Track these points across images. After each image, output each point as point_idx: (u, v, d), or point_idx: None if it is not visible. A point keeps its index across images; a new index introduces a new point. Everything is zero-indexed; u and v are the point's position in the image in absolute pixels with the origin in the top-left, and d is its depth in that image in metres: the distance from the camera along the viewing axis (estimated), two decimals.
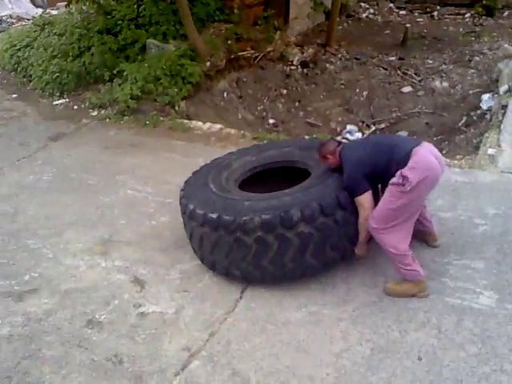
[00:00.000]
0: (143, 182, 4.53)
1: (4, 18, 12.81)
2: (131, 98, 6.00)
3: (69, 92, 6.84)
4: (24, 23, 12.36)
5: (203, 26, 7.83)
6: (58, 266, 3.51)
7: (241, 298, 3.08)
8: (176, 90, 6.23)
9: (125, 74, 6.39)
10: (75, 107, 6.53)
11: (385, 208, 2.80)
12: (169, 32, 7.43)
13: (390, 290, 2.98)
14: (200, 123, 5.69)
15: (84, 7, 8.35)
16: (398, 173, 2.71)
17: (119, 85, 6.41)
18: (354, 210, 2.93)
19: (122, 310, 3.06)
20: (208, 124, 5.65)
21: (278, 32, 8.37)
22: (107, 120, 6.04)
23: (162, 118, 5.92)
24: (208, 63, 6.93)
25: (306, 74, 8.44)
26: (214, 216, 2.95)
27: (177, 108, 6.13)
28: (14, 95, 7.14)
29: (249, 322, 2.88)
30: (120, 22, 7.53)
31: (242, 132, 5.51)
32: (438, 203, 3.80)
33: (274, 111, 7.60)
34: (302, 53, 8.85)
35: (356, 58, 8.74)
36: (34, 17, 9.77)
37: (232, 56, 7.47)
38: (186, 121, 5.83)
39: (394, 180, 2.73)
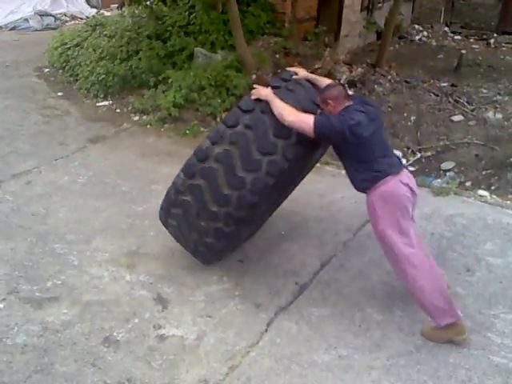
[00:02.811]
0: None
1: (58, 15, 13.15)
2: (174, 106, 5.94)
3: (113, 95, 6.84)
4: (77, 22, 12.65)
5: (252, 38, 7.76)
6: (82, 274, 3.41)
7: (266, 330, 2.89)
8: (219, 101, 6.14)
9: (170, 80, 6.34)
10: (118, 110, 6.51)
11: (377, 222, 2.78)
12: (217, 42, 7.38)
13: (426, 334, 2.80)
14: None
15: (136, 11, 8.43)
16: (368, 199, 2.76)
17: (163, 91, 6.37)
18: None
19: (141, 329, 2.92)
20: None
21: (328, 49, 8.19)
22: (148, 126, 5.99)
23: (202, 129, 5.82)
24: (254, 76, 6.81)
25: None
26: None
27: (218, 119, 6.02)
28: (60, 93, 7.20)
29: (273, 358, 2.69)
30: (170, 28, 7.53)
31: None
32: (487, 247, 3.53)
33: None
34: (351, 72, 8.64)
35: (406, 81, 8.46)
36: (87, 16, 9.97)
37: (279, 70, 7.33)
38: None
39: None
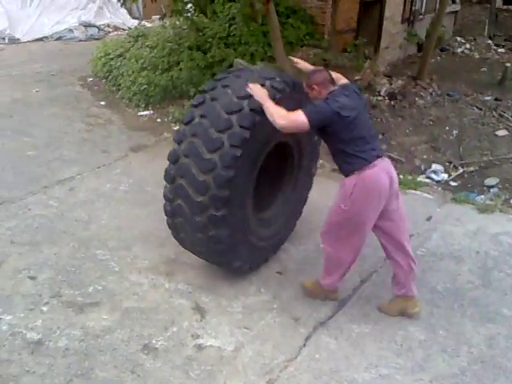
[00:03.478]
0: None
1: (102, 26, 13.53)
2: None
3: (154, 104, 6.96)
4: (119, 33, 12.99)
5: (292, 50, 7.78)
6: (123, 281, 3.46)
7: (304, 345, 2.85)
8: None
9: None
10: (158, 120, 6.62)
11: (328, 223, 3.00)
12: (257, 53, 7.44)
13: (305, 288, 3.24)
14: None
15: (177, 22, 8.59)
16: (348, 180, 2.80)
17: None
18: None
19: (180, 338, 2.93)
20: None
21: (368, 61, 8.13)
22: None
23: None
24: None
25: (393, 106, 8.11)
26: None
27: None
28: (103, 102, 7.37)
29: (311, 374, 2.65)
30: (210, 39, 7.62)
31: (321, 162, 5.29)
32: None
33: None
34: (391, 84, 8.53)
35: (448, 95, 8.31)
36: (129, 27, 10.20)
37: None
38: None
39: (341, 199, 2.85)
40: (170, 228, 3.36)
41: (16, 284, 3.39)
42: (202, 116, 3.04)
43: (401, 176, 5.47)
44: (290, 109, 2.73)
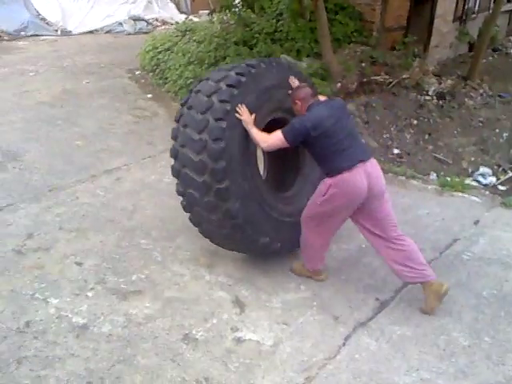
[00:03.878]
0: None
1: (150, 20, 13.76)
2: None
3: None
4: (167, 27, 13.17)
5: (339, 47, 7.70)
6: (165, 271, 3.52)
7: (344, 344, 2.83)
8: None
9: None
10: None
11: (308, 211, 3.18)
12: (303, 49, 7.39)
13: (293, 270, 3.46)
14: None
15: (225, 17, 8.64)
16: (325, 180, 3.03)
17: None
18: None
19: (219, 330, 2.96)
20: None
21: (417, 59, 7.95)
22: None
23: None
24: (339, 84, 6.75)
25: (441, 107, 7.90)
26: None
27: None
28: (149, 95, 7.50)
29: (350, 374, 2.62)
30: (257, 35, 7.63)
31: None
32: None
33: (400, 141, 7.18)
34: (440, 83, 8.32)
35: (500, 96, 8.04)
36: (177, 22, 10.33)
37: (364, 79, 7.22)
38: None
39: (321, 187, 3.06)
40: (194, 225, 3.49)
41: (63, 269, 3.51)
42: (188, 108, 3.29)
43: (447, 178, 5.34)
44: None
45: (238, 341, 2.88)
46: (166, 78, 7.69)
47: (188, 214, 3.46)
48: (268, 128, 3.29)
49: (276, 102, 3.40)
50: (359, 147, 3.07)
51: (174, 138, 3.37)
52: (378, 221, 3.09)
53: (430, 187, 4.74)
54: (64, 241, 3.84)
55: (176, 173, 3.36)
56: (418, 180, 4.79)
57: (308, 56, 7.39)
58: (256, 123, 3.16)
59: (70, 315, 3.07)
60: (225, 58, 7.34)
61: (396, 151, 6.98)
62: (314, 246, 3.27)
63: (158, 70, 7.98)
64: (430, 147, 7.25)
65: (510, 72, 9.01)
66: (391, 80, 7.56)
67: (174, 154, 3.36)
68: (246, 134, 3.16)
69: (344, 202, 3.01)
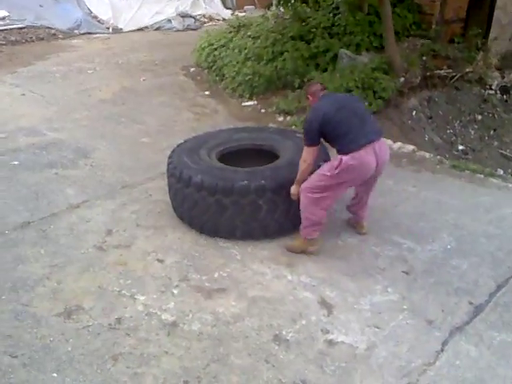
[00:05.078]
0: None
1: (198, 17, 13.81)
2: None
3: (258, 95, 6.99)
4: (214, 23, 13.23)
5: (397, 40, 7.49)
6: (246, 269, 3.51)
7: (442, 350, 2.74)
8: (366, 104, 6.00)
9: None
10: (262, 110, 6.65)
11: (313, 181, 3.37)
12: (362, 43, 7.25)
13: (287, 247, 3.66)
14: (389, 141, 5.38)
15: (279, 12, 8.57)
16: (339, 157, 3.26)
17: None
18: None
19: (309, 332, 2.92)
20: (399, 144, 5.34)
21: (481, 53, 7.67)
22: (293, 127, 6.03)
23: None
24: (402, 79, 6.59)
25: (506, 101, 7.63)
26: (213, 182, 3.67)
27: None
28: (207, 92, 7.52)
29: (453, 381, 2.54)
30: (314, 29, 7.53)
31: (439, 158, 5.09)
32: None
33: (464, 137, 6.98)
34: (503, 77, 8.02)
35: None
36: (223, 18, 10.32)
37: (428, 73, 7.02)
38: None
39: (333, 162, 3.30)
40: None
41: (146, 266, 3.54)
42: None
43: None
44: None
45: (330, 343, 2.84)
46: (223, 75, 7.69)
47: None
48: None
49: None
50: (369, 128, 3.34)
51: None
52: (366, 188, 3.64)
53: (510, 185, 4.55)
54: (143, 237, 3.88)
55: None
56: (498, 178, 4.62)
57: (367, 50, 7.25)
58: None
59: (158, 312, 3.10)
60: (282, 53, 7.28)
61: (461, 147, 6.78)
62: (315, 215, 3.45)
63: (214, 67, 7.97)
64: (496, 143, 7.02)
65: None
66: (454, 74, 7.33)
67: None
68: None
69: (352, 177, 3.31)
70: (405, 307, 3.09)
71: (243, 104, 6.90)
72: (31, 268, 3.53)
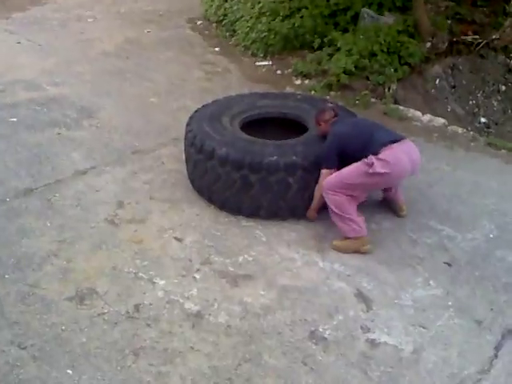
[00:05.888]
0: None
1: None
2: (344, 73, 5.51)
3: (273, 54, 6.52)
4: None
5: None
6: (273, 253, 3.22)
7: (496, 356, 2.51)
8: (392, 70, 5.61)
9: (338, 44, 5.88)
10: (278, 72, 6.21)
11: (342, 178, 3.14)
12: (386, 2, 6.73)
13: (335, 247, 3.24)
14: (419, 113, 5.07)
15: None
16: (370, 156, 3.07)
17: (328, 55, 5.94)
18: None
19: (349, 329, 2.67)
20: (428, 116, 5.01)
21: (509, 18, 7.21)
22: (312, 92, 5.64)
23: (373, 100, 5.39)
24: (429, 44, 6.17)
25: None
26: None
27: (390, 90, 5.52)
28: (217, 49, 7.02)
29: None
30: None
31: (472, 134, 4.77)
32: None
33: (487, 109, 6.61)
34: None
35: None
36: None
37: (454, 39, 6.59)
38: (401, 107, 5.23)
39: (365, 160, 3.07)
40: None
41: (163, 245, 3.25)
42: None
43: None
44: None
45: (373, 344, 2.59)
46: (234, 31, 7.16)
47: None
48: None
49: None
50: (388, 133, 3.29)
51: None
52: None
53: None
54: (158, 212, 3.56)
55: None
56: None
57: (389, 10, 6.76)
58: None
59: (180, 300, 2.82)
60: (300, 9, 6.76)
61: (483, 120, 6.43)
62: (351, 213, 3.20)
63: (225, 21, 7.42)
64: None
65: None
66: (480, 40, 6.89)
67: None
68: None
69: (391, 175, 3.12)
70: (450, 304, 2.84)
71: (257, 64, 6.44)
72: (37, 243, 3.22)
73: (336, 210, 3.17)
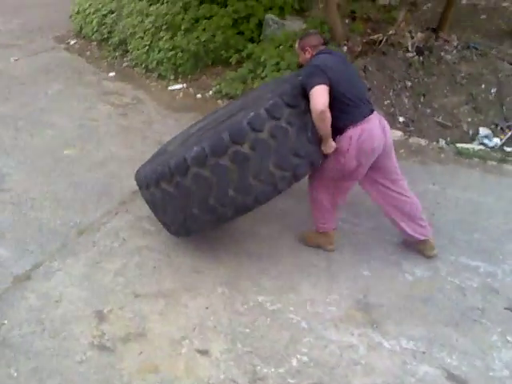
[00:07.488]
0: None
1: None
2: None
3: (184, 75, 5.77)
4: None
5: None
6: (325, 343, 2.62)
7: None
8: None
9: (262, 58, 5.34)
10: (198, 96, 5.49)
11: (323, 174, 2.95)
12: (286, 6, 6.37)
13: (301, 238, 3.25)
14: None
15: None
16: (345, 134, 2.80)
17: (250, 71, 5.39)
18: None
19: None
20: None
21: (401, 12, 7.33)
22: None
23: None
24: (345, 48, 5.95)
25: (422, 63, 7.48)
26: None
27: None
28: (111, 74, 6.03)
29: None
30: None
31: (435, 144, 4.61)
32: None
33: (400, 107, 6.65)
34: (412, 37, 7.86)
35: (474, 48, 7.80)
36: None
37: (361, 39, 6.48)
38: None
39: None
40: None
41: (188, 365, 2.46)
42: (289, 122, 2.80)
43: (458, 145, 4.97)
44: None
45: None
46: (127, 51, 6.21)
47: None
48: None
49: None
50: (367, 100, 2.93)
51: None
52: (388, 172, 3.02)
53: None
54: (156, 316, 2.73)
55: None
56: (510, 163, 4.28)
57: (291, 14, 6.42)
58: None
59: None
60: (197, 20, 6.08)
61: (401, 119, 6.45)
62: (327, 206, 3.08)
63: (112, 40, 6.40)
64: (428, 110, 6.82)
65: (467, 20, 8.82)
66: (381, 38, 6.90)
67: None
68: None
69: (365, 155, 2.82)
70: None
71: (170, 88, 5.62)
72: None
73: (314, 202, 3.08)
